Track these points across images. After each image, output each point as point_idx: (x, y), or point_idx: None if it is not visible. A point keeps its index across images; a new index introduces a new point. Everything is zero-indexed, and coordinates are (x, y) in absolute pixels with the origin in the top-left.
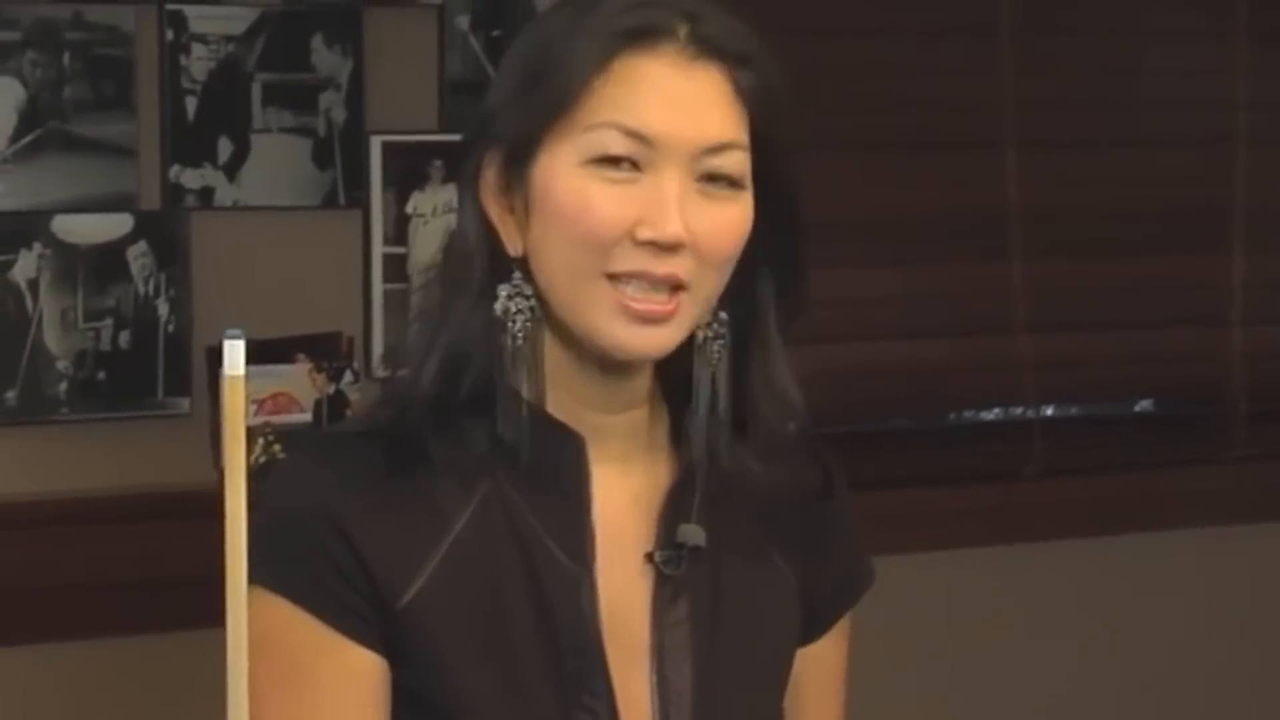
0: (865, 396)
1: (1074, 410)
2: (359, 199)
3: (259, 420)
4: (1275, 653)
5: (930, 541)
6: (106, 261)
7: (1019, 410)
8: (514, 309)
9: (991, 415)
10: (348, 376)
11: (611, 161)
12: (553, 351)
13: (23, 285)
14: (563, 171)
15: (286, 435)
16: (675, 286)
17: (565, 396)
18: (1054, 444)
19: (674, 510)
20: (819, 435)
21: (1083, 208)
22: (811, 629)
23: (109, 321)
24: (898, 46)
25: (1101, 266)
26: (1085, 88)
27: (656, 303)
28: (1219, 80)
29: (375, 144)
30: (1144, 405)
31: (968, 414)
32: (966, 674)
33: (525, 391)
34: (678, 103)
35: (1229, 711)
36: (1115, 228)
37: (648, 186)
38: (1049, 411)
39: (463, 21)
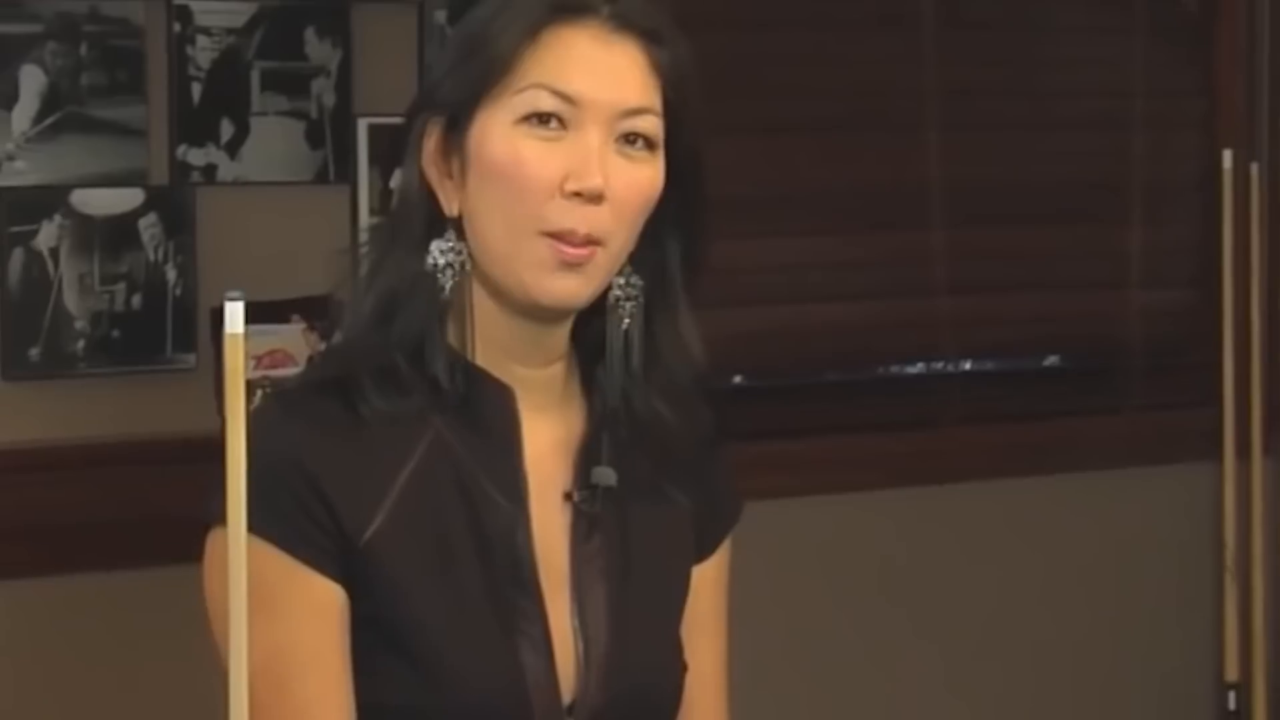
0: (801, 353)
1: (989, 364)
2: (347, 175)
3: (257, 374)
4: (1168, 580)
5: (860, 483)
6: (120, 231)
7: (939, 364)
8: (444, 262)
9: (914, 369)
10: (337, 335)
11: (541, 120)
12: (482, 309)
13: (45, 253)
14: (497, 131)
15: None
16: (592, 240)
17: (495, 351)
18: (971, 395)
19: (588, 454)
20: (742, 387)
21: (997, 183)
22: (700, 552)
23: (122, 285)
24: (832, 38)
25: (1013, 235)
26: (1000, 76)
27: (577, 253)
28: (1118, 70)
29: (362, 126)
30: (1051, 360)
31: (893, 368)
32: (894, 598)
33: (454, 340)
34: (600, 69)
35: (1130, 633)
36: (1026, 201)
37: (573, 143)
38: (966, 366)
39: (440, 15)
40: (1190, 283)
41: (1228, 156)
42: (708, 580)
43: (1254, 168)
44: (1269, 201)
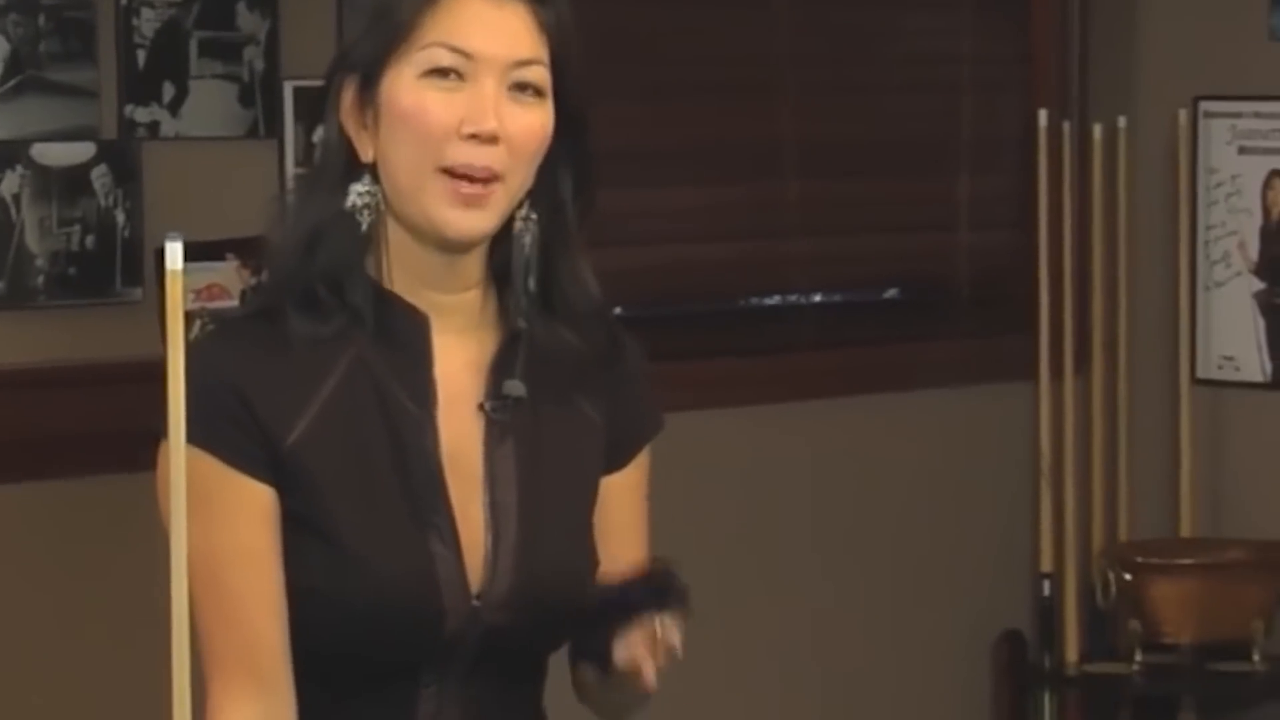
0: (673, 286)
1: (836, 297)
2: (275, 131)
3: (196, 306)
4: (991, 484)
5: (726, 400)
6: (75, 180)
7: (793, 297)
8: (360, 203)
9: (772, 301)
10: (265, 272)
11: (441, 73)
12: (398, 242)
13: (8, 199)
14: (404, 84)
15: (217, 317)
16: (491, 178)
17: (412, 280)
18: (821, 323)
19: (500, 369)
20: (627, 315)
21: (842, 139)
22: (615, 461)
23: (77, 228)
24: (700, 11)
25: (857, 185)
26: (845, 45)
27: (477, 189)
28: (949, 39)
29: (288, 88)
30: (891, 292)
31: (753, 300)
32: (755, 500)
33: (371, 271)
34: (493, 27)
35: (960, 530)
36: (868, 155)
37: (470, 93)
38: (817, 298)
39: None
40: (1011, 226)
41: (1043, 115)
42: (626, 489)
43: (1066, 125)
44: (1079, 155)
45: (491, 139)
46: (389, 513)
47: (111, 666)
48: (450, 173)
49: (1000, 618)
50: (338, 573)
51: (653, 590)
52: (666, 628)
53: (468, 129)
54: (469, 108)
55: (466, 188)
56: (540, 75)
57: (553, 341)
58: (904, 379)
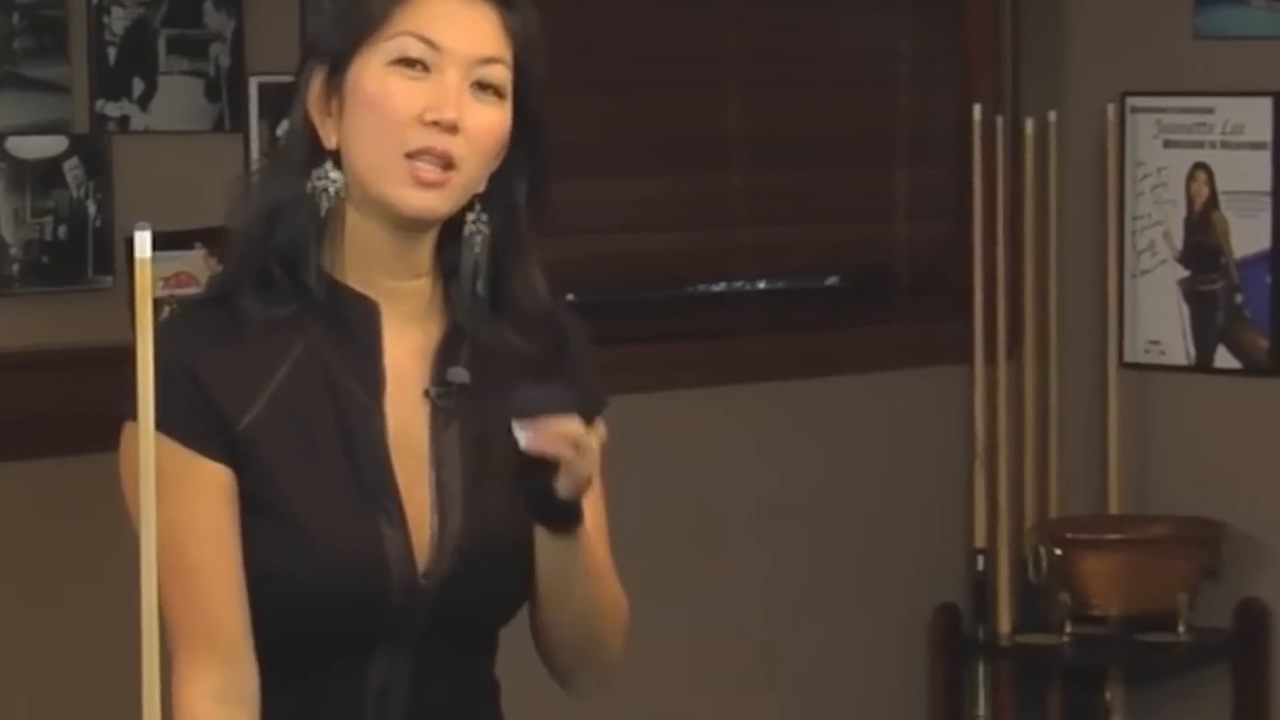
0: (623, 273)
1: (780, 284)
2: (240, 125)
3: (164, 293)
4: (928, 464)
5: (674, 383)
6: (48, 173)
7: (739, 284)
8: (320, 186)
9: (718, 288)
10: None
11: (408, 63)
12: (355, 227)
13: None
14: (371, 72)
15: (182, 303)
16: (448, 164)
17: (364, 267)
18: (766, 309)
19: (445, 357)
20: (572, 302)
21: (786, 133)
22: None
23: (50, 218)
24: (651, 10)
25: (800, 176)
26: (789, 43)
27: (435, 173)
28: (887, 37)
29: (253, 84)
30: (832, 280)
31: (701, 287)
32: (703, 480)
33: (327, 263)
34: (460, 23)
35: (897, 508)
36: (810, 148)
37: (434, 83)
38: (761, 285)
39: None
40: (947, 216)
41: (977, 110)
42: None
43: (999, 120)
44: (1011, 148)
45: (451, 128)
46: (339, 494)
47: (84, 642)
48: (410, 157)
49: (936, 591)
50: (290, 552)
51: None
52: (576, 428)
53: (430, 116)
54: (432, 96)
55: (425, 171)
56: (502, 75)
57: (497, 341)
58: (844, 363)
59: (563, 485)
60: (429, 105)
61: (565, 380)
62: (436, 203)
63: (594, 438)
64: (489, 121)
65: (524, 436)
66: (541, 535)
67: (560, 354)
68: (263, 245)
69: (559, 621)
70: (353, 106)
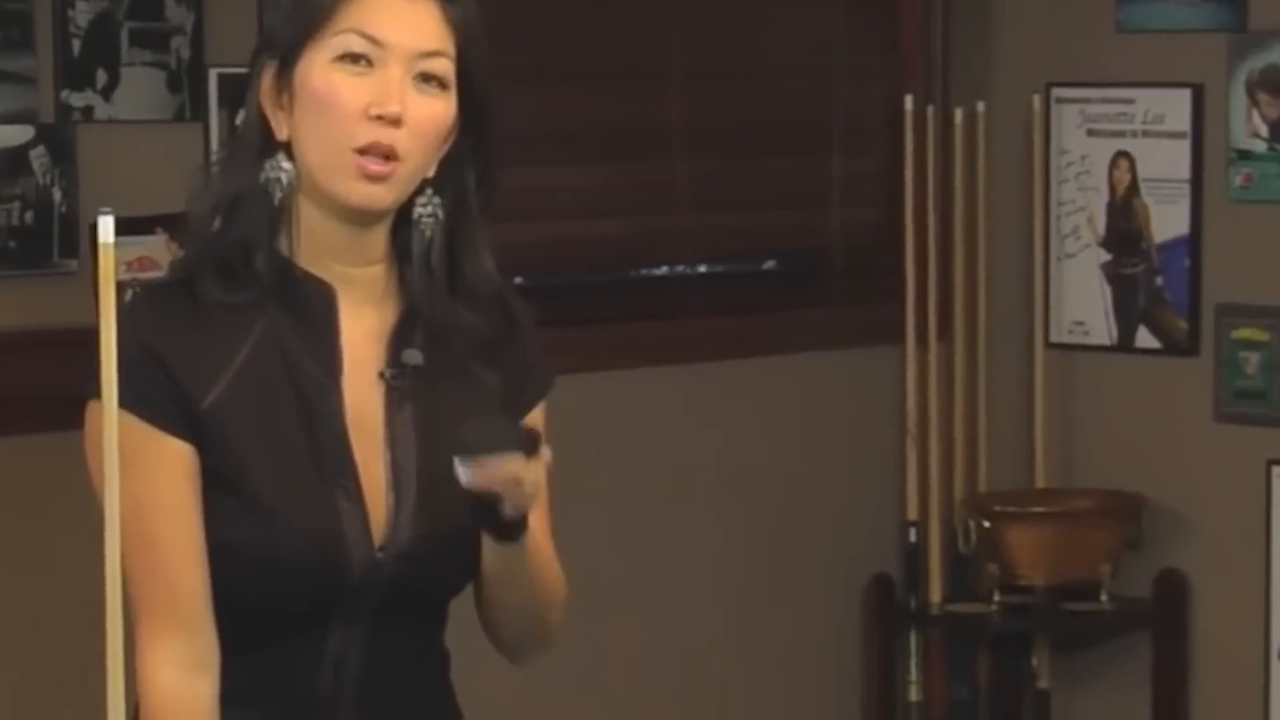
0: (569, 257)
1: (720, 268)
2: (200, 115)
3: (127, 276)
4: (862, 441)
5: (617, 363)
6: (14, 161)
7: (680, 268)
8: (274, 177)
9: (661, 271)
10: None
11: (352, 59)
12: (309, 217)
13: None
14: (317, 68)
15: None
16: (392, 156)
17: (320, 254)
18: (706, 292)
19: (399, 339)
20: (521, 286)
21: (726, 122)
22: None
23: (17, 204)
24: (596, 6)
25: (739, 164)
26: (729, 35)
27: (380, 165)
28: (823, 30)
29: (212, 75)
30: (769, 264)
31: (644, 270)
32: (644, 455)
33: (283, 247)
34: (402, 19)
35: (833, 483)
36: (749, 137)
37: (378, 78)
38: (702, 269)
39: None
40: (879, 203)
41: (909, 100)
42: None
43: (930, 110)
44: (941, 137)
45: (395, 121)
46: (298, 472)
47: (49, 612)
48: (357, 151)
49: (870, 562)
50: (251, 527)
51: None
52: (513, 463)
53: (374, 110)
54: (375, 92)
55: (371, 165)
56: (444, 67)
57: (451, 320)
58: (781, 344)
59: (507, 508)
60: (373, 100)
61: (510, 412)
62: (383, 194)
63: (538, 467)
64: (431, 112)
65: (465, 475)
66: (488, 541)
67: (511, 333)
68: (221, 235)
69: (502, 608)
70: (301, 102)
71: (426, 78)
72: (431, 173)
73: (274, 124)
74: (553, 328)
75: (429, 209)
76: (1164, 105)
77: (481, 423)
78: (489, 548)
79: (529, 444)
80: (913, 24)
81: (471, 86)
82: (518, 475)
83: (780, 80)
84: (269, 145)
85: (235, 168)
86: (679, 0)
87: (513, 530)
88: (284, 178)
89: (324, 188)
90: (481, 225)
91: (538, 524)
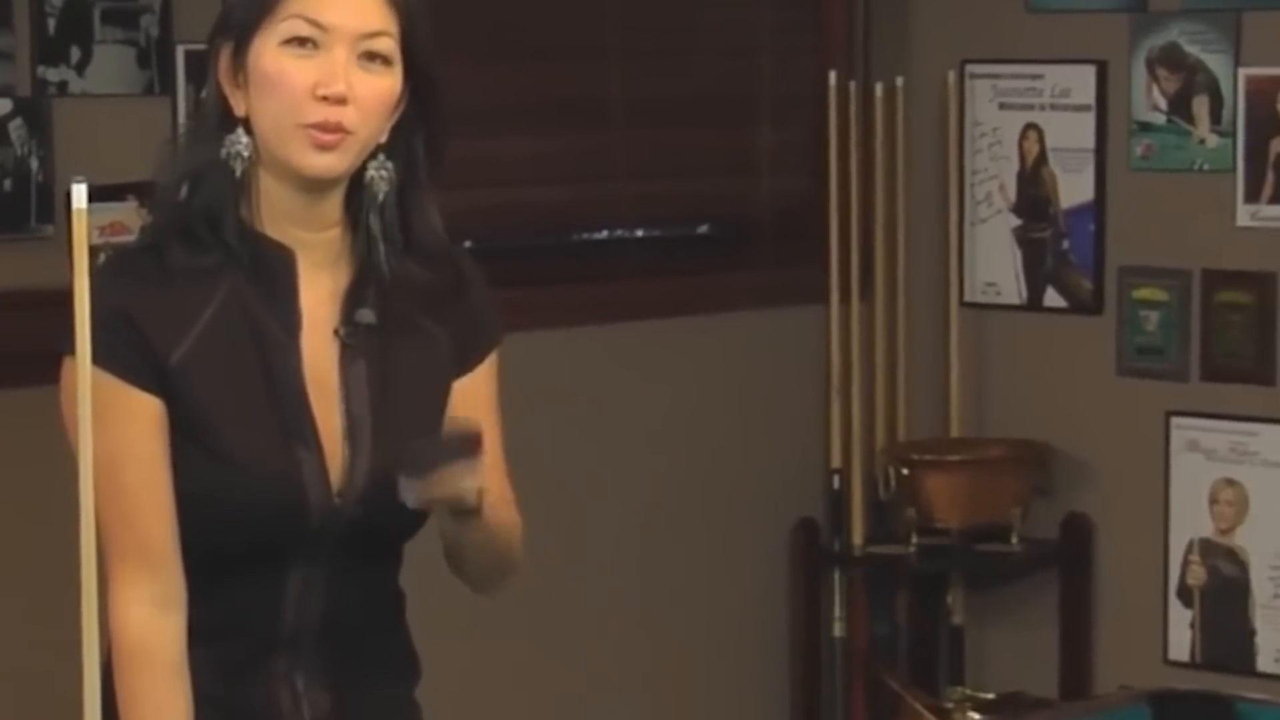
0: (515, 222)
1: (656, 232)
2: (168, 89)
3: (100, 241)
4: (790, 394)
5: (561, 322)
6: None
7: (619, 232)
8: (233, 151)
9: (600, 236)
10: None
11: (299, 42)
12: (267, 187)
13: None
14: (267, 52)
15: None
16: (340, 129)
17: (279, 220)
18: (643, 255)
19: (353, 300)
20: (470, 248)
21: (661, 95)
22: (463, 367)
23: None
24: None
25: (674, 135)
26: (663, 13)
27: (330, 138)
28: (752, 9)
29: (180, 51)
30: (703, 229)
31: (585, 235)
32: (586, 409)
33: (245, 214)
34: (345, 3)
35: (762, 433)
36: (684, 109)
37: (323, 60)
38: (640, 233)
39: None
40: (806, 171)
41: (832, 76)
42: (474, 392)
43: (852, 84)
44: (863, 110)
45: (340, 100)
46: (260, 424)
47: (27, 555)
48: (307, 127)
49: (796, 507)
50: (216, 475)
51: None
52: (454, 475)
53: (320, 91)
54: (321, 73)
55: (321, 136)
56: (387, 45)
57: (403, 276)
58: (713, 304)
59: (457, 509)
60: (319, 80)
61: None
62: (334, 163)
63: (481, 463)
64: (376, 88)
65: (410, 495)
66: (444, 518)
67: (460, 292)
68: (187, 204)
69: (465, 561)
70: (254, 82)
71: (370, 56)
72: (384, 139)
73: (232, 101)
74: (498, 289)
75: (382, 172)
76: (1070, 80)
77: (420, 442)
78: (445, 522)
79: (468, 449)
80: (836, 4)
81: (417, 60)
82: (459, 485)
83: (712, 57)
84: (228, 121)
85: (198, 142)
86: None
87: (467, 517)
88: (244, 151)
89: (279, 159)
90: (430, 188)
91: (496, 473)
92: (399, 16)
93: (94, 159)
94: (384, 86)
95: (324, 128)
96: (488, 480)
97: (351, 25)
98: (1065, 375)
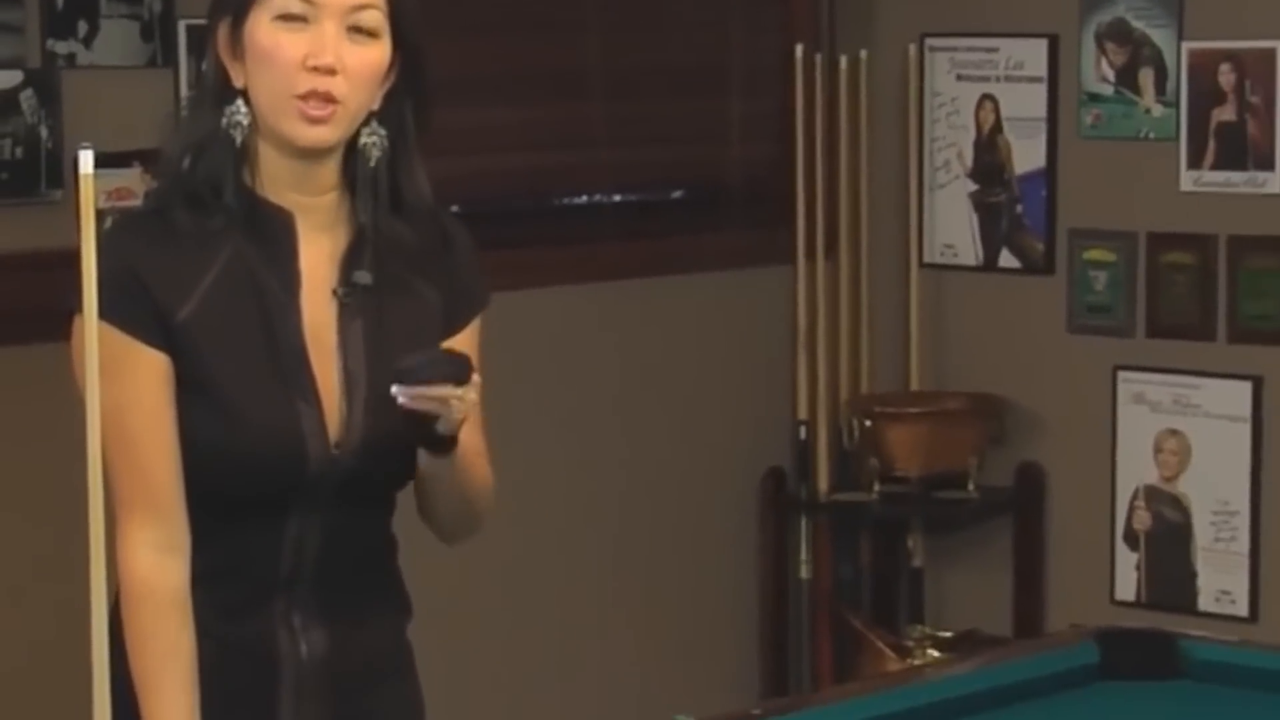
0: (499, 187)
1: (633, 196)
2: (171, 61)
3: (107, 205)
4: (759, 348)
5: (543, 282)
6: (6, 102)
7: (598, 197)
8: (234, 121)
9: (580, 200)
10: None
11: (291, 17)
12: (266, 153)
13: None
14: (262, 27)
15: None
16: (331, 100)
17: (278, 185)
18: (620, 218)
19: (350, 261)
20: (456, 212)
21: (638, 67)
22: (451, 328)
23: (8, 141)
24: None
25: (650, 105)
26: None
27: (321, 110)
28: None
29: (182, 25)
30: (677, 193)
31: (566, 199)
32: (566, 365)
33: (246, 179)
34: None
35: (734, 385)
36: (658, 80)
37: (314, 33)
38: (617, 198)
39: None
40: (774, 139)
41: (799, 49)
42: (462, 349)
43: (818, 57)
44: (828, 81)
45: (330, 71)
46: (262, 378)
47: (40, 500)
48: (299, 98)
49: (765, 457)
50: (221, 427)
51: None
52: (445, 390)
53: (311, 62)
54: (312, 45)
55: (312, 109)
56: (374, 19)
57: (394, 236)
58: (687, 264)
59: (440, 425)
60: (309, 52)
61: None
62: (326, 134)
63: (468, 390)
64: (365, 59)
65: (401, 397)
66: (422, 451)
67: (448, 252)
68: (191, 172)
69: (436, 503)
70: (250, 56)
71: (358, 29)
72: (376, 106)
73: (232, 73)
74: (484, 250)
75: (374, 139)
76: (1024, 54)
77: (417, 353)
78: (423, 457)
79: (458, 371)
80: None
81: (404, 32)
82: (445, 398)
83: (685, 31)
84: (228, 92)
85: (200, 113)
86: None
87: (444, 445)
88: (243, 120)
89: (274, 130)
90: (418, 154)
91: (471, 428)
92: None
93: (100, 127)
94: (372, 57)
95: (314, 97)
96: (468, 418)
97: (339, 0)
98: (1019, 332)
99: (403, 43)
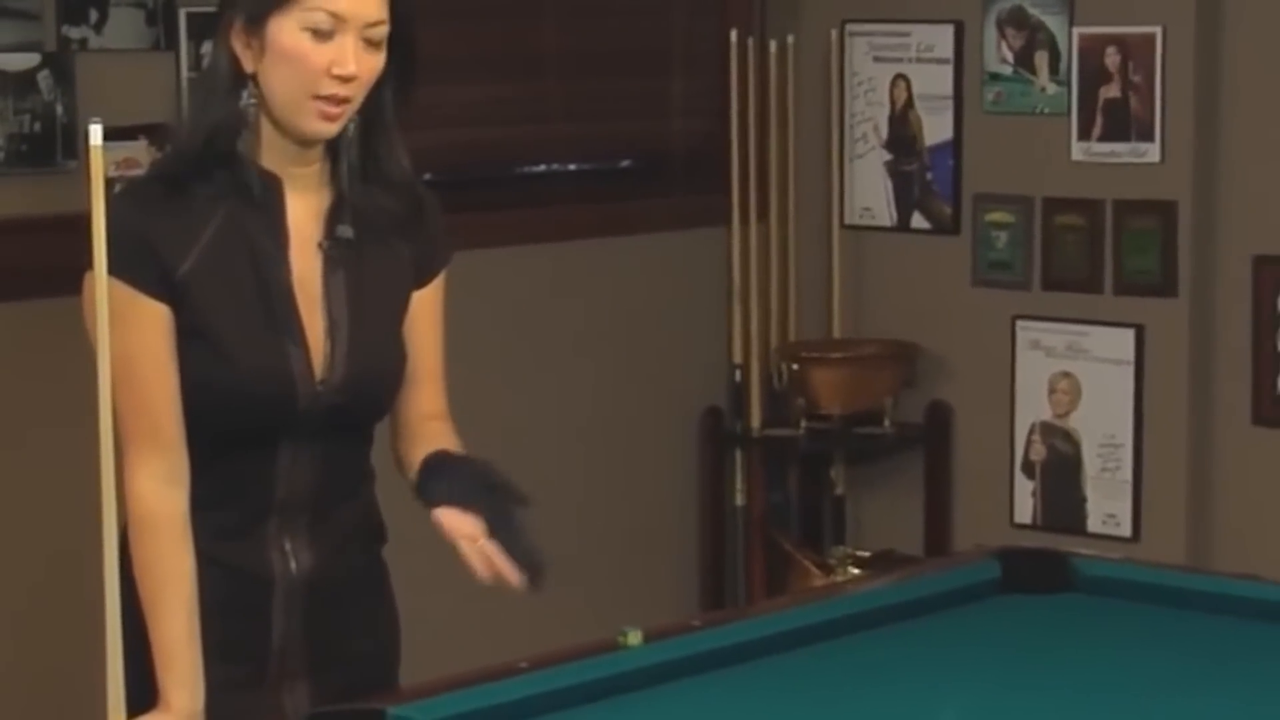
0: (466, 157)
1: (587, 165)
2: (173, 45)
3: (115, 174)
4: (699, 301)
5: (505, 242)
6: (25, 82)
7: (555, 165)
8: (248, 105)
9: (539, 169)
10: (168, 148)
11: (319, 32)
12: (268, 131)
13: None
14: (288, 32)
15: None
16: (345, 101)
17: (276, 157)
18: (574, 185)
19: (333, 219)
20: (429, 180)
21: (590, 49)
22: (420, 281)
23: (28, 116)
24: None
25: (601, 83)
26: None
27: (336, 110)
28: None
29: (182, 13)
30: (626, 163)
31: (526, 168)
32: (525, 315)
33: (245, 149)
34: None
35: (676, 336)
36: (609, 61)
37: (337, 44)
38: (572, 166)
39: None
40: (712, 114)
41: (734, 34)
42: (426, 302)
43: (750, 41)
44: (759, 62)
45: (350, 78)
46: (255, 324)
47: (56, 439)
48: (319, 98)
49: (704, 397)
50: (218, 368)
51: (486, 489)
52: (491, 551)
53: (335, 70)
54: (336, 54)
55: (329, 108)
56: (384, 32)
57: (371, 203)
58: (634, 226)
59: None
60: (334, 61)
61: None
62: (335, 128)
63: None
64: (372, 66)
65: (486, 548)
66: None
67: (420, 216)
68: (204, 149)
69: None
70: (272, 54)
71: (370, 41)
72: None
73: (243, 60)
74: (452, 213)
75: (352, 120)
76: (933, 38)
77: (525, 530)
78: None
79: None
80: None
81: (404, 35)
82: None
83: (633, 17)
84: (240, 77)
85: (213, 99)
86: None
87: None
88: (254, 103)
89: (286, 121)
90: (396, 129)
91: (433, 379)
92: (392, 5)
93: (110, 104)
94: (378, 64)
95: (333, 100)
96: (430, 389)
97: (361, 15)
98: (929, 286)
99: (401, 43)
